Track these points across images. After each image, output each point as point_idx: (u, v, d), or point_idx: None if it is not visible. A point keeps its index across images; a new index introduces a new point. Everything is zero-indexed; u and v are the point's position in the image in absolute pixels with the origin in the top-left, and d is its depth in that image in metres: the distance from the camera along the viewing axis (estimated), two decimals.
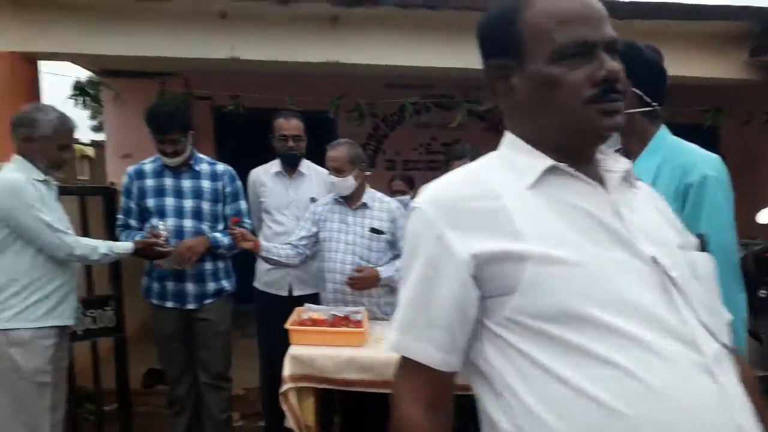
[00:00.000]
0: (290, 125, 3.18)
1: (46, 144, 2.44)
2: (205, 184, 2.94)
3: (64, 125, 2.51)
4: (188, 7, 3.82)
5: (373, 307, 2.90)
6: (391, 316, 2.86)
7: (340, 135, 5.55)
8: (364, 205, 2.94)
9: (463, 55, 4.13)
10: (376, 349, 2.45)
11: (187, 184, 2.91)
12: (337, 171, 2.87)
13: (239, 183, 3.07)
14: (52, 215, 2.43)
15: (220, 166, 3.03)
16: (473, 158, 3.15)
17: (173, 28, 3.92)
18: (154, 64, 4.43)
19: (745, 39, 4.24)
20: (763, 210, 3.73)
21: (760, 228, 3.63)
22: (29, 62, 3.99)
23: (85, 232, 3.07)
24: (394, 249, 2.96)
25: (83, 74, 5.33)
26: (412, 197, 3.64)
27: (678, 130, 1.64)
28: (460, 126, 4.54)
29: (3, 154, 3.76)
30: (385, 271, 2.85)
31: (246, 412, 3.66)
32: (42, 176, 2.47)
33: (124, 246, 2.65)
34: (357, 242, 2.89)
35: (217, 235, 2.92)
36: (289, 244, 2.97)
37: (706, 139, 1.65)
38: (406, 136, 5.76)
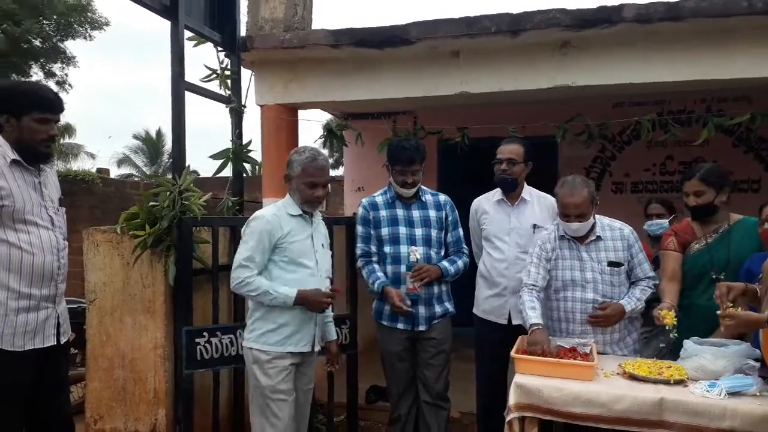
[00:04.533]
0: (505, 149, 3.23)
1: (297, 182, 2.67)
2: (432, 213, 3.17)
3: (312, 164, 2.64)
4: (424, 50, 4.14)
5: (613, 345, 2.82)
6: (631, 347, 2.81)
7: (562, 159, 5.46)
8: (598, 238, 2.85)
9: (706, 67, 3.80)
10: (605, 383, 2.37)
11: (416, 213, 3.15)
12: (581, 216, 2.78)
13: (457, 212, 3.26)
14: (293, 247, 2.60)
15: (442, 197, 3.26)
16: (716, 181, 2.80)
17: (409, 70, 4.27)
18: (389, 105, 4.88)
19: None
20: None
21: None
22: (290, 111, 4.72)
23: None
24: (633, 276, 2.85)
25: (326, 118, 6.11)
26: (671, 222, 3.39)
27: None
28: (702, 143, 4.12)
29: (272, 190, 4.51)
30: (628, 305, 2.76)
31: None
32: (297, 211, 2.68)
33: (286, 293, 2.58)
34: (598, 279, 2.81)
35: (446, 264, 3.12)
36: (535, 287, 2.87)
37: None
38: (637, 156, 5.39)
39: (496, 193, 3.36)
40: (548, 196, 3.39)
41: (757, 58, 3.72)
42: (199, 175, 3.80)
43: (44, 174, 2.42)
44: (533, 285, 2.88)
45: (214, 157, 3.86)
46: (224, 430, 3.37)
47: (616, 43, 3.89)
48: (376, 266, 3.12)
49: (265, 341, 2.61)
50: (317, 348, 2.77)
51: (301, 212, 2.69)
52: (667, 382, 2.32)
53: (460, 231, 3.26)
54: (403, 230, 3.11)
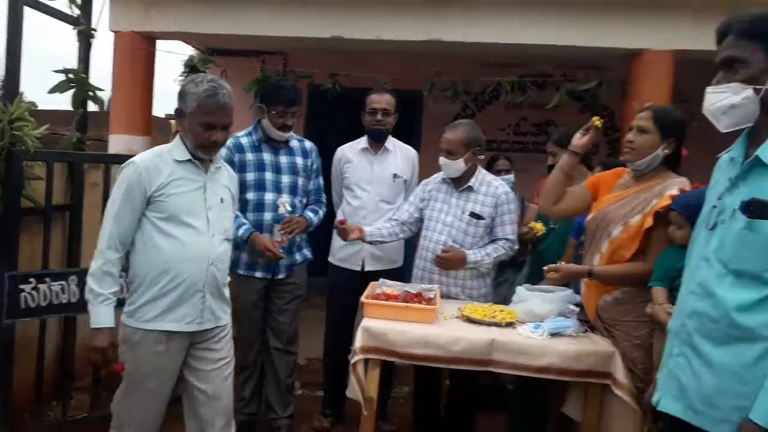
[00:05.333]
0: (381, 99, 3.25)
1: (191, 121, 2.16)
2: (299, 160, 3.11)
3: (211, 100, 2.13)
4: None
5: (456, 288, 2.95)
6: (477, 299, 2.94)
7: (427, 114, 5.57)
8: (470, 189, 2.97)
9: (566, 33, 4.02)
10: (445, 326, 2.50)
11: (284, 160, 3.07)
12: (449, 153, 2.89)
13: (320, 160, 3.24)
14: (172, 200, 2.14)
15: (308, 143, 3.21)
16: (566, 144, 2.93)
17: (282, 8, 4.06)
18: (258, 43, 4.64)
19: None
20: None
21: None
22: (148, 41, 4.33)
23: None
24: (493, 234, 2.97)
25: (189, 53, 5.69)
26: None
27: None
28: (554, 107, 4.39)
29: (121, 127, 4.16)
30: (472, 255, 2.88)
31: (306, 381, 3.80)
32: (186, 155, 2.20)
33: (96, 316, 2.13)
34: (454, 225, 2.94)
35: (310, 214, 3.12)
36: (396, 221, 3.07)
37: None
38: (495, 116, 5.65)
39: (361, 142, 3.37)
40: (410, 147, 3.47)
41: (610, 29, 3.99)
42: (36, 106, 3.38)
43: None
44: (393, 218, 3.10)
45: (54, 90, 3.46)
46: (49, 383, 3.15)
47: (487, 1, 3.98)
48: (238, 212, 2.97)
49: (139, 318, 2.16)
50: (210, 325, 2.25)
51: (190, 157, 2.21)
52: (498, 325, 2.50)
53: (321, 180, 3.26)
54: (269, 176, 3.02)
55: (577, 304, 2.57)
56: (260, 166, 3.02)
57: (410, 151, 3.45)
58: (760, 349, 1.43)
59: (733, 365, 1.47)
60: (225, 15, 4.16)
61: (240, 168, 3.00)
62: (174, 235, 2.16)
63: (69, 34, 3.72)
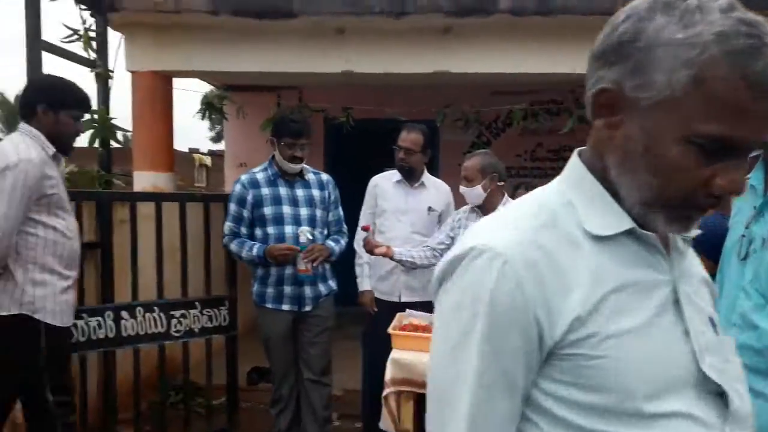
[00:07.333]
0: (406, 138, 3.28)
1: (674, 113, 0.73)
2: (315, 192, 3.12)
3: (757, 62, 0.65)
4: (308, 25, 4.07)
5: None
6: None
7: (443, 144, 5.65)
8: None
9: (575, 61, 4.09)
10: None
11: (300, 192, 3.09)
12: (467, 180, 2.96)
13: (338, 191, 3.26)
14: None
15: (324, 176, 3.22)
16: None
17: (292, 45, 4.18)
18: (272, 78, 4.75)
19: None
20: None
21: None
22: (164, 79, 4.44)
23: (207, 235, 3.40)
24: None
25: (205, 90, 5.82)
26: None
27: None
28: (569, 132, 4.44)
29: (146, 164, 4.24)
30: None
31: (344, 413, 3.76)
32: (624, 222, 0.74)
33: None
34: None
35: (332, 243, 3.11)
36: (428, 246, 3.11)
37: None
38: (511, 143, 5.72)
39: (396, 174, 3.38)
40: (444, 183, 3.49)
41: None
42: None
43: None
44: (424, 245, 3.16)
45: None
46: (92, 416, 3.12)
47: (493, 32, 4.07)
48: (244, 237, 3.05)
49: None
50: None
51: (633, 225, 0.77)
52: None
53: (341, 211, 3.26)
54: (287, 210, 3.04)
55: None
56: (276, 200, 3.05)
57: (444, 186, 3.47)
58: None
59: None
60: (237, 53, 4.27)
61: (256, 203, 3.02)
62: None
63: (86, 76, 3.82)
